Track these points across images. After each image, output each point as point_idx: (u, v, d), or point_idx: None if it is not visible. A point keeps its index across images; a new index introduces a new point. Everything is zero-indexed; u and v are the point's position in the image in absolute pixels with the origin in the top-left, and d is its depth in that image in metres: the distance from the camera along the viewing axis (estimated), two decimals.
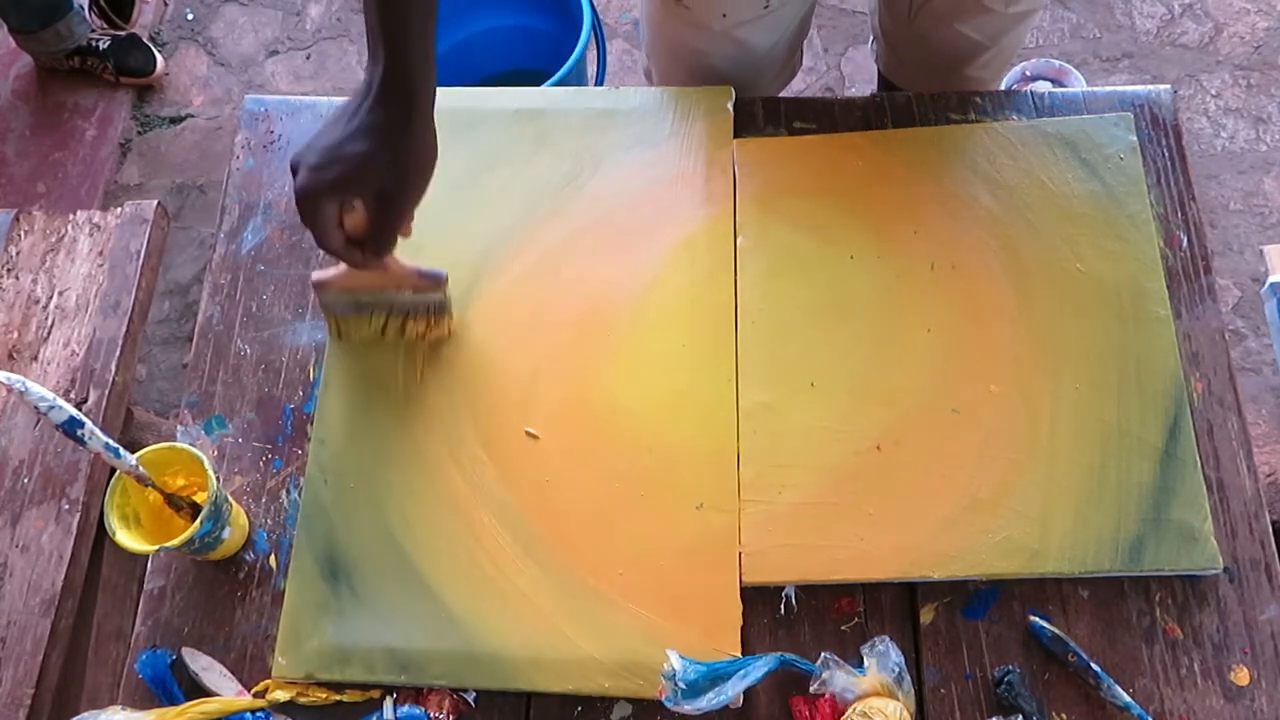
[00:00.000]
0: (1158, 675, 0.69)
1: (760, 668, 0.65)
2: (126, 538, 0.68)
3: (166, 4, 1.99)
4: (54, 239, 1.04)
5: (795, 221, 0.83)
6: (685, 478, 0.74)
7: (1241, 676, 0.69)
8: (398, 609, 0.72)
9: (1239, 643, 0.70)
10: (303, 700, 0.70)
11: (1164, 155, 0.86)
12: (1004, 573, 0.70)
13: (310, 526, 0.75)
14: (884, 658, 0.66)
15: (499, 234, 0.85)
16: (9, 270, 1.03)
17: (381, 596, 0.72)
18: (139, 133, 1.86)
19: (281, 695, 0.70)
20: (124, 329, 0.99)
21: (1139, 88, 0.89)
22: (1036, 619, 0.69)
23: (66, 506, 0.90)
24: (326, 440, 0.77)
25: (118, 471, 0.68)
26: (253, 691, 0.71)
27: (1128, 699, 0.66)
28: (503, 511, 0.74)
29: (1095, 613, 0.71)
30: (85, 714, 0.66)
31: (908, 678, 0.66)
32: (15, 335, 0.99)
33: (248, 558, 0.76)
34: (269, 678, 0.71)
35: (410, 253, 0.73)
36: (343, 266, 0.73)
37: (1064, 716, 0.68)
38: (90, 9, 1.88)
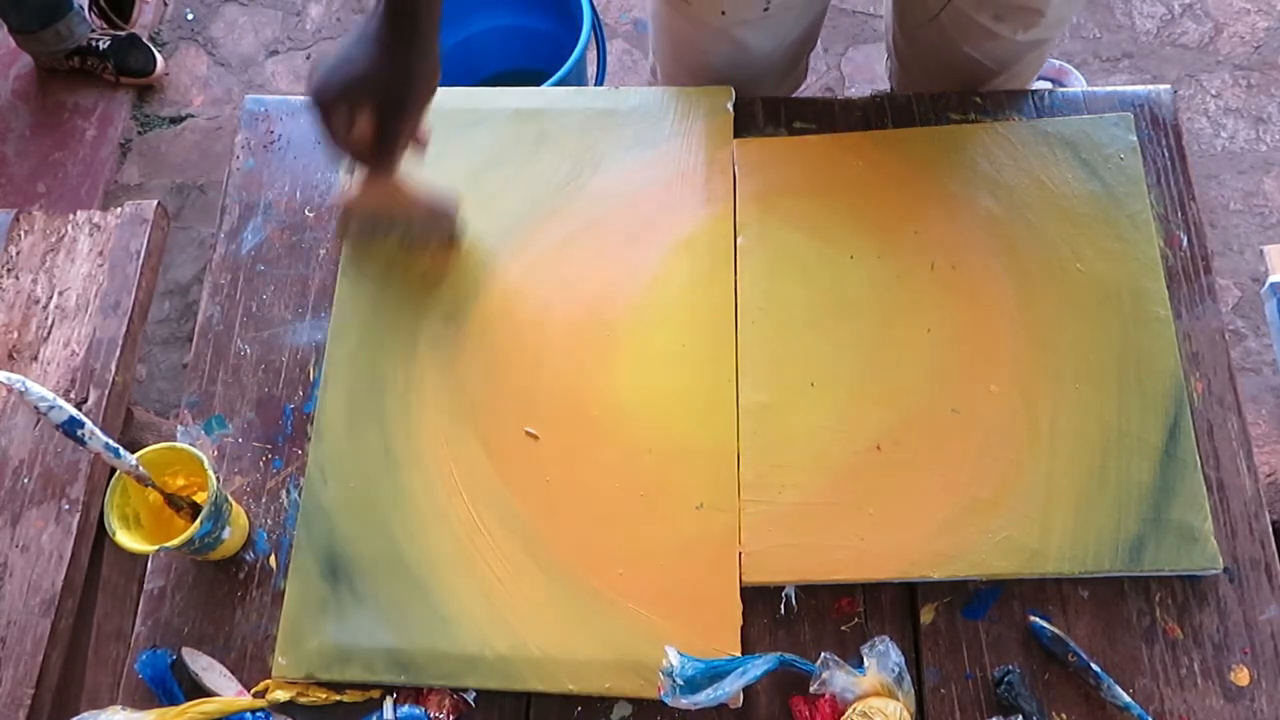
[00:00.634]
0: (1158, 675, 0.69)
1: (759, 667, 0.65)
2: (126, 538, 0.68)
3: (166, 4, 1.99)
4: (54, 239, 1.04)
5: (795, 221, 0.83)
6: (685, 478, 0.74)
7: (1241, 676, 0.69)
8: (398, 609, 0.72)
9: (1239, 643, 0.70)
10: (303, 700, 0.70)
11: (1164, 155, 0.86)
12: (1004, 573, 0.70)
13: (310, 526, 0.75)
14: (884, 658, 0.66)
15: (499, 234, 0.85)
16: (9, 270, 1.03)
17: (382, 596, 0.72)
18: (139, 133, 1.86)
19: (281, 695, 0.70)
20: (124, 329, 0.99)
21: (1139, 88, 0.89)
22: (1036, 619, 0.69)
23: (66, 506, 0.90)
24: (326, 440, 0.77)
25: (118, 471, 0.68)
26: (253, 691, 0.71)
27: (1128, 699, 0.66)
28: (503, 511, 0.74)
29: (1095, 613, 0.71)
30: (85, 714, 0.66)
31: (908, 678, 0.66)
32: (15, 335, 0.99)
33: (248, 558, 0.76)
34: (269, 678, 0.71)
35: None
36: (362, 186, 0.77)
37: (1064, 716, 0.68)
38: (90, 9, 1.88)
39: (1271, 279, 1.09)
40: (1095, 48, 1.82)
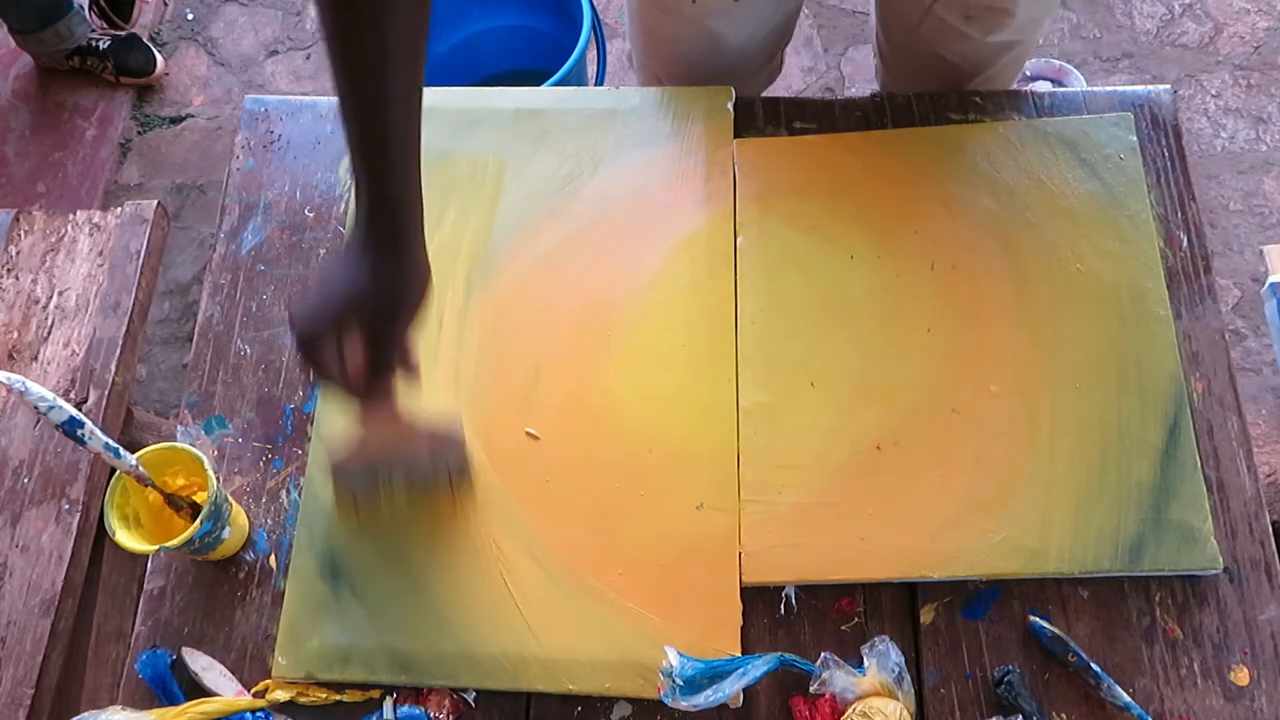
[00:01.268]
0: (1158, 675, 0.69)
1: (759, 667, 0.65)
2: (126, 538, 0.68)
3: (166, 4, 1.99)
4: (54, 239, 1.04)
5: (795, 221, 0.83)
6: (685, 478, 0.74)
7: (1241, 676, 0.69)
8: (398, 609, 0.72)
9: (1239, 643, 0.70)
10: (303, 700, 0.70)
11: (1164, 155, 0.86)
12: (1004, 573, 0.70)
13: (310, 526, 0.75)
14: (884, 658, 0.66)
15: (499, 234, 0.85)
16: (9, 270, 1.03)
17: (381, 596, 0.72)
18: (139, 133, 1.86)
19: (281, 695, 0.70)
20: (124, 329, 0.99)
21: (1139, 88, 0.89)
22: (1036, 619, 0.69)
23: (66, 506, 0.90)
24: (327, 440, 0.77)
25: (118, 471, 0.68)
26: (253, 691, 0.71)
27: (1128, 699, 0.66)
28: (502, 511, 0.74)
29: (1095, 613, 0.71)
30: (85, 714, 0.66)
31: (908, 678, 0.66)
32: (15, 335, 0.99)
33: (248, 558, 0.76)
34: (269, 678, 0.71)
35: None
36: (355, 439, 0.70)
37: (1064, 716, 0.68)
38: (90, 9, 1.88)
39: (1271, 279, 1.09)
40: (1095, 48, 1.81)
